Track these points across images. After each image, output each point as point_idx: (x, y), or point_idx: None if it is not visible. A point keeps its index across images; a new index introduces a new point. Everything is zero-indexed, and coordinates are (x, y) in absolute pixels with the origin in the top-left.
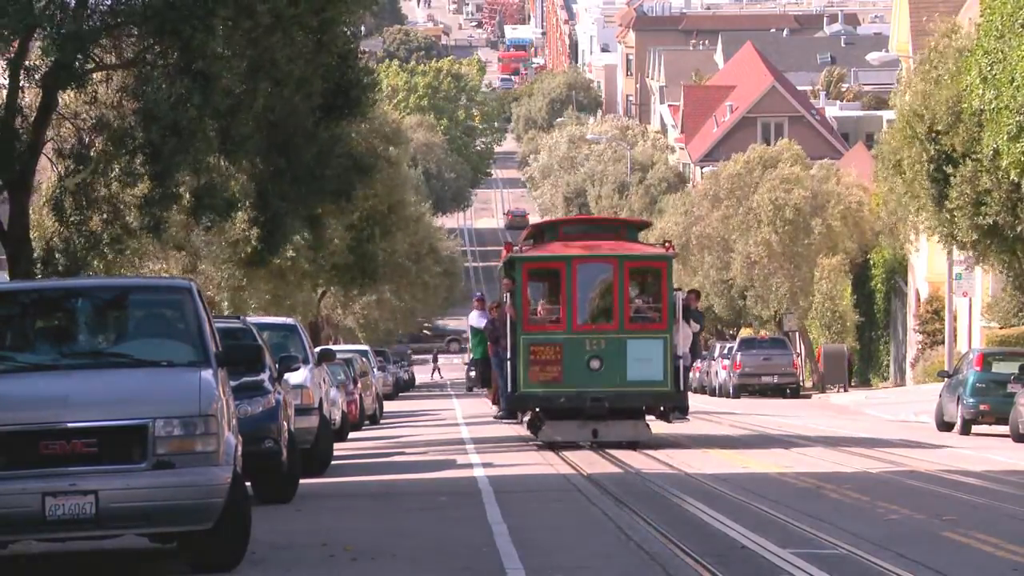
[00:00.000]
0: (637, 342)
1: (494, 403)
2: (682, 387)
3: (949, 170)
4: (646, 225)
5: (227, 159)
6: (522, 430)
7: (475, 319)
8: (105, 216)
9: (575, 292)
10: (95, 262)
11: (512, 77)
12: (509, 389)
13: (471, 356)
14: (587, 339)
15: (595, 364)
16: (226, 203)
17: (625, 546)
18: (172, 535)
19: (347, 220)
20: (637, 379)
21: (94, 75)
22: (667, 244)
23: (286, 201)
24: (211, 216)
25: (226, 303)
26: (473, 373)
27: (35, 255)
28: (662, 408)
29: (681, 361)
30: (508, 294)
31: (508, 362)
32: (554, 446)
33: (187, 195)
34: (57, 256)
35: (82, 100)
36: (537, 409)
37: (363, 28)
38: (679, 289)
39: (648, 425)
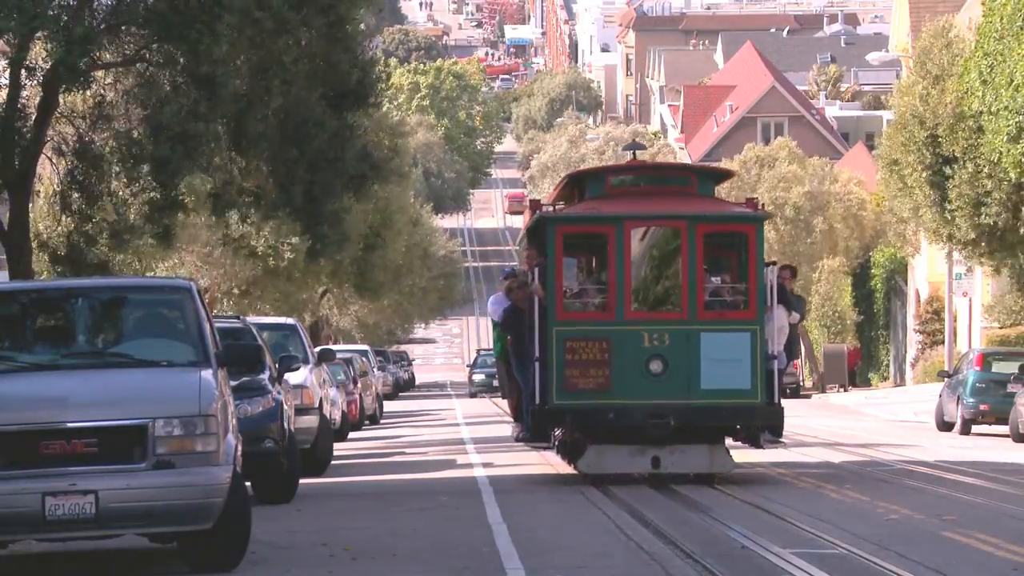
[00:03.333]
0: (715, 336)
1: (515, 418)
2: (776, 398)
3: (948, 172)
4: (726, 175)
5: (241, 156)
6: (553, 458)
7: (492, 306)
8: (105, 215)
9: (628, 267)
10: (94, 260)
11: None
12: (536, 400)
13: (477, 356)
14: (645, 332)
15: (656, 366)
16: (253, 196)
17: (625, 546)
18: (172, 535)
19: (360, 220)
20: (714, 387)
21: (99, 76)
22: (753, 202)
23: (310, 194)
24: (236, 212)
25: (231, 304)
26: (475, 376)
27: (34, 255)
28: (749, 428)
29: (775, 362)
30: (535, 270)
31: (535, 363)
32: (599, 480)
33: (194, 198)
34: (60, 254)
35: (86, 102)
36: (575, 429)
37: (363, 27)
38: (772, 263)
39: (728, 451)
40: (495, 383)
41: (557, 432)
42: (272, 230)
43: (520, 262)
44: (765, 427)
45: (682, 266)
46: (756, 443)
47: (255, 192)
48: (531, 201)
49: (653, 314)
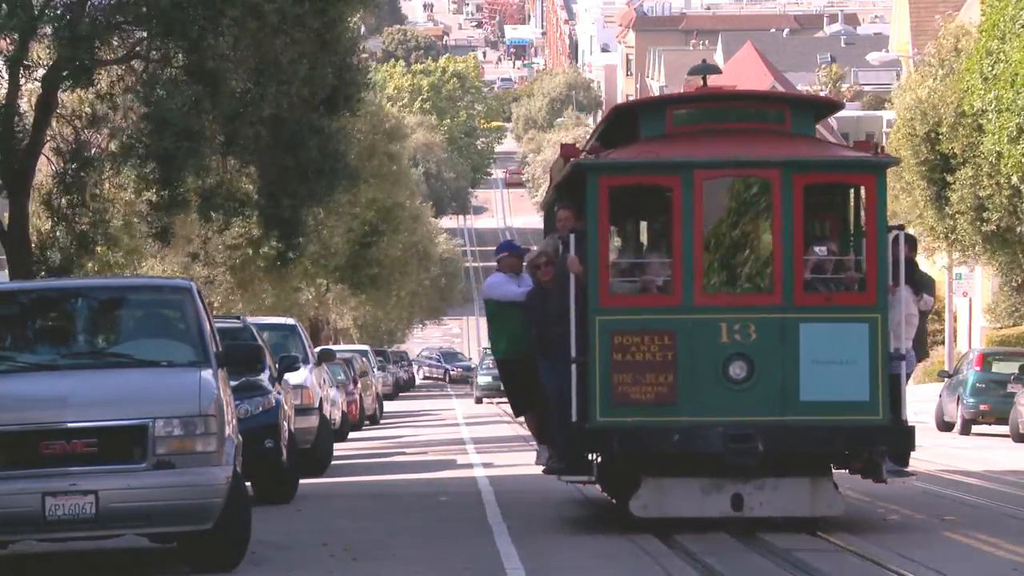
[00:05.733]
0: (820, 328)
1: (540, 440)
2: (903, 414)
3: (949, 178)
4: (830, 107)
5: (235, 159)
6: (594, 493)
7: (498, 286)
8: (96, 216)
9: (699, 233)
10: (89, 263)
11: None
12: (572, 417)
13: (483, 355)
14: (723, 322)
15: (738, 370)
16: (237, 202)
17: (626, 546)
18: (172, 535)
19: (350, 219)
20: (819, 399)
21: (100, 74)
22: (869, 144)
23: (296, 199)
24: (220, 216)
25: (222, 302)
26: (481, 378)
27: (34, 254)
28: (867, 455)
29: (902, 364)
30: (568, 238)
31: (570, 367)
32: (661, 526)
33: (194, 198)
34: (50, 254)
35: (88, 99)
36: (626, 456)
37: (363, 28)
38: (898, 228)
39: (836, 487)
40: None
41: (596, 457)
42: (243, 235)
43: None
44: (891, 452)
45: (774, 231)
46: (877, 475)
47: (242, 198)
48: (564, 147)
49: (734, 298)
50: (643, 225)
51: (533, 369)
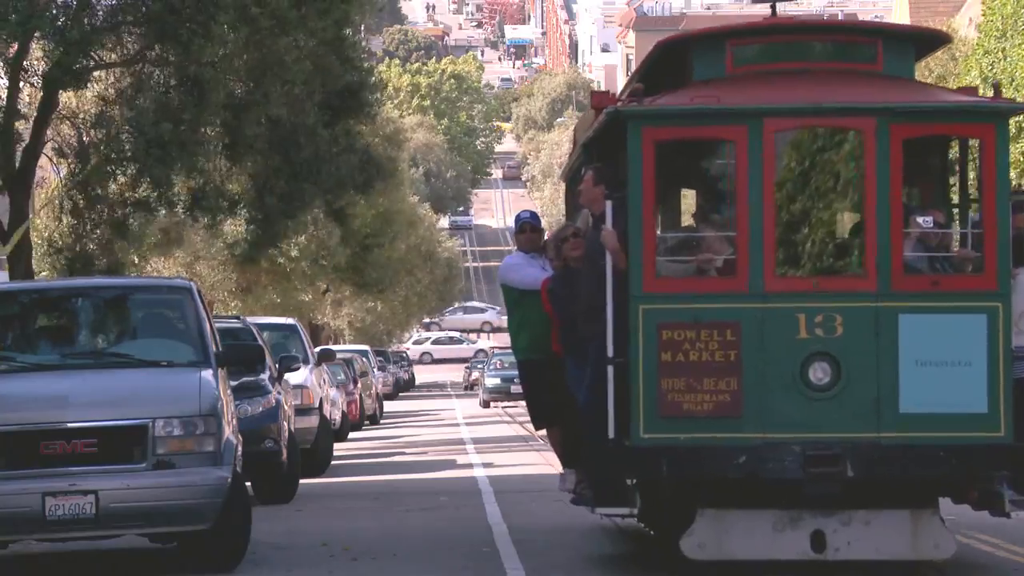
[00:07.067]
0: (925, 320)
1: (565, 463)
2: None
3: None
4: (937, 41)
5: (231, 159)
6: (634, 526)
7: (516, 268)
8: (103, 216)
9: (770, 199)
10: (95, 262)
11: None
12: (609, 433)
13: (492, 355)
14: (801, 313)
15: (820, 373)
16: (228, 203)
17: (626, 546)
18: (172, 535)
19: (362, 219)
20: (924, 410)
21: (96, 75)
22: (974, 89)
23: (282, 200)
24: (209, 216)
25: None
26: (489, 379)
27: (34, 255)
28: (985, 482)
29: None
30: (604, 209)
31: (605, 369)
32: (719, 571)
33: (182, 197)
34: (56, 254)
35: (82, 99)
36: (677, 482)
37: (363, 29)
38: (1019, 194)
39: (944, 522)
40: (514, 387)
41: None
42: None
43: (570, 200)
44: (1010, 480)
45: (866, 197)
46: (997, 507)
47: (233, 198)
48: (595, 95)
49: (815, 281)
50: (698, 190)
51: (561, 372)
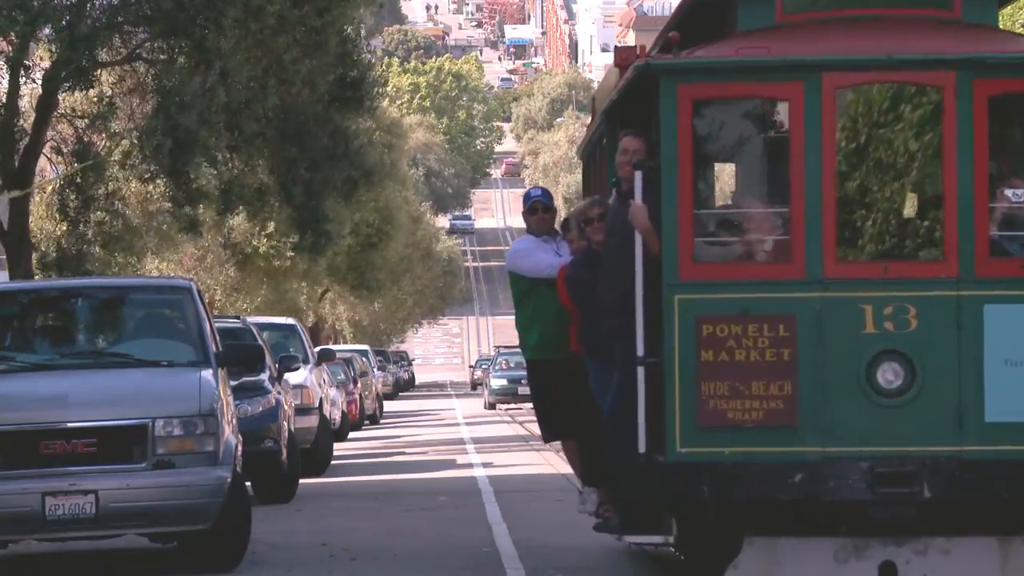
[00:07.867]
0: (1015, 313)
1: (585, 481)
2: None
3: None
4: None
5: (240, 154)
6: (669, 555)
7: (527, 254)
8: (105, 215)
9: (829, 169)
10: (95, 261)
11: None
12: (639, 447)
13: (496, 355)
14: (867, 304)
15: (890, 375)
16: (257, 193)
17: (625, 546)
18: (172, 535)
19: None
20: (1014, 419)
21: (102, 75)
22: None
23: (310, 188)
24: (243, 208)
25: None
26: (495, 380)
27: (35, 254)
28: None
29: None
30: (633, 180)
31: (634, 371)
32: None
33: (212, 191)
34: (55, 253)
35: (88, 101)
36: (721, 504)
37: (363, 28)
38: None
39: None
40: (522, 388)
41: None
42: (275, 229)
43: (592, 175)
44: None
45: (945, 165)
46: None
47: (257, 190)
48: (619, 50)
49: (883, 267)
50: (744, 159)
51: (578, 375)
